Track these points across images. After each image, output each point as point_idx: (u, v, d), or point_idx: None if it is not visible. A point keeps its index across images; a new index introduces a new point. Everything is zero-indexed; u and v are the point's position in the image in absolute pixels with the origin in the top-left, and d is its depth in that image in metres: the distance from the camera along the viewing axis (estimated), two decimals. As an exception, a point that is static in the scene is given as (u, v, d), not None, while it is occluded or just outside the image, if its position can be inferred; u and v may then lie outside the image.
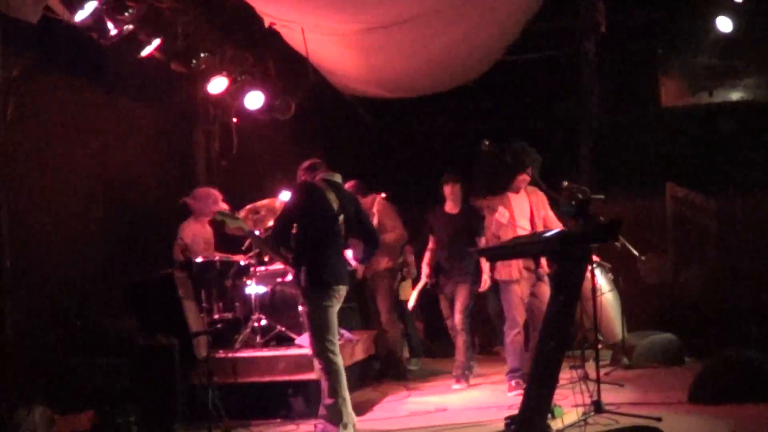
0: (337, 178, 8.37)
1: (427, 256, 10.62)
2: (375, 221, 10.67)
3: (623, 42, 12.83)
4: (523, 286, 9.46)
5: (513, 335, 9.51)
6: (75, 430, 7.49)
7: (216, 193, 10.26)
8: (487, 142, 9.03)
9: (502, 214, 9.32)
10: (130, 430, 7.51)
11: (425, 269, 10.60)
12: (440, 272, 10.44)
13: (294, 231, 8.12)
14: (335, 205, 8.11)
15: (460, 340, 10.27)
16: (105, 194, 9.64)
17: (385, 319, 10.94)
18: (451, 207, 10.56)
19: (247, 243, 10.02)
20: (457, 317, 10.21)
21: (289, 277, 9.30)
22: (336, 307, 7.99)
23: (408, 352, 11.75)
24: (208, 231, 10.17)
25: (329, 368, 7.86)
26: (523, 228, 9.38)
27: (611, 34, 11.90)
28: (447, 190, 10.52)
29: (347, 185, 10.31)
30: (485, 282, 10.03)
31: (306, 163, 8.47)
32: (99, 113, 9.66)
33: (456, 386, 10.11)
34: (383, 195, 11.23)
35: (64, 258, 8.85)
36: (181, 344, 7.53)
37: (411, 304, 10.99)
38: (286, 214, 8.20)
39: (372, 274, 10.94)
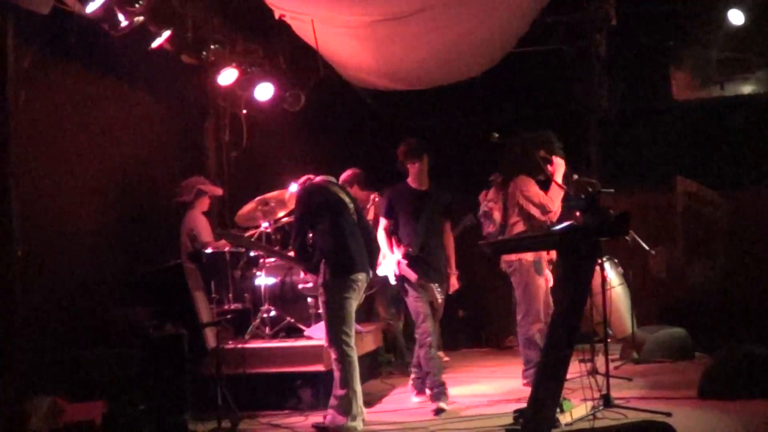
0: (333, 179, 8.53)
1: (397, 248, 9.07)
2: (371, 216, 10.66)
3: (634, 35, 12.80)
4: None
5: (537, 329, 9.12)
6: (84, 419, 7.49)
7: (200, 178, 10.41)
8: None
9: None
10: (139, 420, 7.53)
11: (403, 265, 8.90)
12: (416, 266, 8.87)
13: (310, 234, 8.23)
14: (342, 196, 8.23)
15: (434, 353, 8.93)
16: (115, 185, 9.65)
17: (384, 312, 10.94)
18: (419, 183, 9.10)
19: (256, 234, 10.04)
20: (429, 326, 8.88)
21: (309, 285, 9.30)
22: (354, 299, 8.02)
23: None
24: (207, 220, 10.25)
25: (343, 359, 7.88)
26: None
27: (622, 26, 11.88)
28: (415, 167, 9.02)
29: (347, 173, 10.32)
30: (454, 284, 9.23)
31: (302, 179, 8.58)
32: (109, 104, 9.66)
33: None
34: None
35: (74, 248, 8.86)
36: (190, 335, 7.54)
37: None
38: (299, 222, 8.27)
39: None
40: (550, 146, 9.28)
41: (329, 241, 8.04)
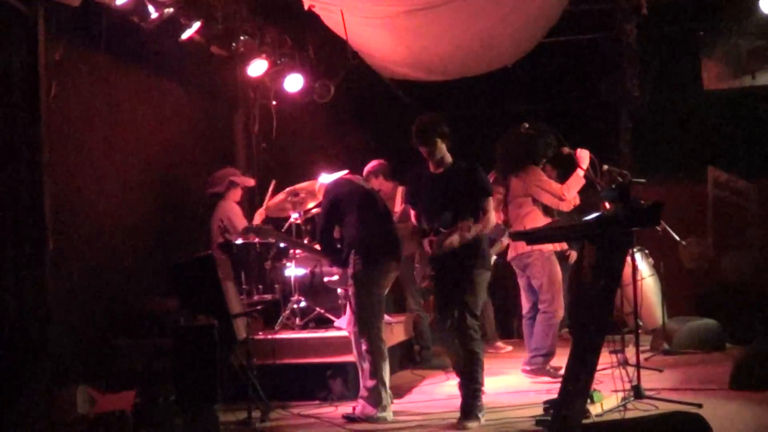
0: (359, 176, 8.57)
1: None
2: (398, 206, 10.67)
3: (664, 24, 12.73)
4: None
5: (561, 316, 9.41)
6: (116, 408, 7.55)
7: (232, 169, 10.43)
8: (526, 125, 9.01)
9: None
10: (170, 410, 7.57)
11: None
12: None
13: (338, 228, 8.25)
14: (368, 188, 8.25)
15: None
16: (145, 176, 9.70)
17: (412, 303, 10.95)
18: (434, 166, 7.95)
19: (286, 224, 10.06)
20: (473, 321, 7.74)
21: (335, 278, 9.28)
22: (384, 290, 8.03)
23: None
24: (239, 210, 10.27)
25: (373, 350, 7.89)
26: None
27: (652, 16, 11.81)
28: (424, 151, 7.92)
29: (372, 164, 10.32)
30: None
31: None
32: (140, 96, 9.71)
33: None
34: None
35: (105, 239, 8.92)
36: (221, 325, 7.56)
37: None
38: (326, 215, 8.27)
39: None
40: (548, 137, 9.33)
41: (358, 233, 8.04)
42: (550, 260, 9.34)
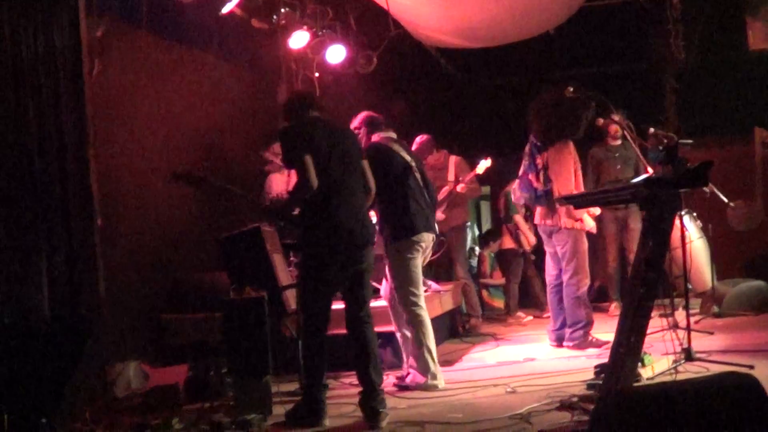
0: (393, 135, 8.27)
1: None
2: (452, 176, 10.64)
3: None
4: None
5: (586, 285, 9.32)
6: (168, 383, 7.63)
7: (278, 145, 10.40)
8: (571, 89, 8.91)
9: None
10: (222, 383, 7.63)
11: None
12: None
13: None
14: (406, 156, 8.09)
15: None
16: (190, 151, 9.73)
17: (462, 272, 10.94)
18: None
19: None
20: None
21: None
22: (419, 258, 7.99)
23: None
24: (279, 178, 10.25)
25: (414, 320, 7.90)
26: None
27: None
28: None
29: (420, 139, 10.30)
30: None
31: (367, 117, 8.23)
32: (182, 71, 9.74)
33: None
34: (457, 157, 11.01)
35: (153, 215, 8.98)
36: (270, 297, 7.60)
37: None
38: None
39: (447, 229, 10.75)
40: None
41: (390, 205, 7.96)
42: (576, 229, 9.19)
